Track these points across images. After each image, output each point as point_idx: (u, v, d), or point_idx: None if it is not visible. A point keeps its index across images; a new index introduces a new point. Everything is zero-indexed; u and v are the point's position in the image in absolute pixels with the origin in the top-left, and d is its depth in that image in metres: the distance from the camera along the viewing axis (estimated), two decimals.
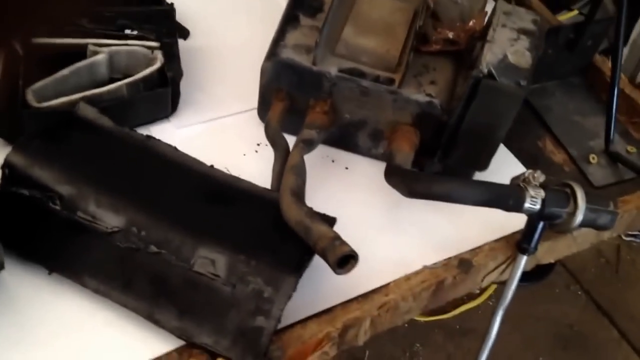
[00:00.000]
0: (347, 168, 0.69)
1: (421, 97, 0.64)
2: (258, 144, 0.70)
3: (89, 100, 0.64)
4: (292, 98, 0.66)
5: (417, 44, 0.67)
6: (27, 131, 0.62)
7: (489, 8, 0.71)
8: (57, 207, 0.55)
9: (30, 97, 0.63)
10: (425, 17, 0.68)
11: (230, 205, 0.59)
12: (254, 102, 0.70)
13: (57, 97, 0.65)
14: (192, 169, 0.61)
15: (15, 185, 0.56)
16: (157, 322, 0.53)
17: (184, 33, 0.76)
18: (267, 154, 0.65)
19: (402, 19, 0.69)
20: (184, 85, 0.71)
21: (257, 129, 0.69)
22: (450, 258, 0.61)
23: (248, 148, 0.70)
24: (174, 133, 0.69)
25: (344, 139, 0.68)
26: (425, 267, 0.60)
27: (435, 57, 0.67)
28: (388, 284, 0.58)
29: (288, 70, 0.64)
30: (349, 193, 0.66)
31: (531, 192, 0.58)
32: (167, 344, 0.53)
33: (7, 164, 0.56)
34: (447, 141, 0.64)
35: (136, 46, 0.71)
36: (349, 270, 0.52)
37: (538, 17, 0.69)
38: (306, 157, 0.61)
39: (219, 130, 0.71)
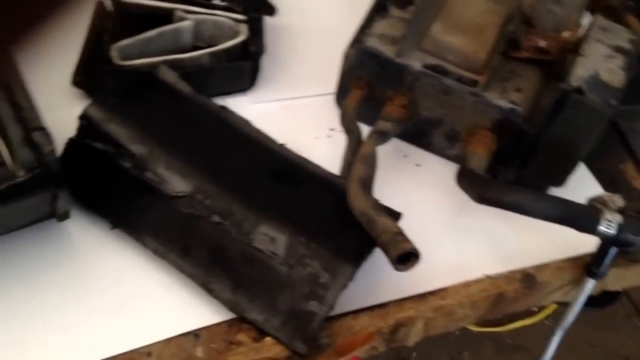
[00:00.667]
0: (418, 165, 0.67)
1: (504, 103, 0.62)
2: (331, 129, 0.69)
3: (171, 65, 0.65)
4: (371, 87, 0.65)
5: (507, 49, 0.64)
6: (107, 87, 0.64)
7: (585, 21, 0.68)
8: (128, 165, 0.56)
9: (115, 54, 0.64)
10: (519, 22, 0.66)
11: (296, 185, 0.58)
12: (332, 86, 0.69)
13: (139, 57, 0.65)
14: (263, 145, 0.60)
15: (90, 138, 0.56)
16: (210, 292, 0.53)
17: (271, 10, 0.76)
18: (339, 140, 0.64)
19: (494, 22, 0.67)
20: (265, 61, 0.71)
21: (332, 114, 0.69)
22: (514, 271, 0.59)
23: (321, 132, 0.69)
24: (250, 107, 0.69)
25: (418, 135, 0.67)
26: (486, 277, 0.58)
27: (524, 64, 0.65)
28: (446, 288, 0.57)
29: (371, 59, 0.63)
30: (417, 190, 0.64)
31: (608, 215, 0.55)
32: (218, 315, 0.53)
33: (84, 115, 0.57)
34: (525, 151, 0.62)
35: (223, 17, 0.71)
36: (408, 268, 0.51)
37: (636, 37, 0.66)
38: (378, 149, 0.60)
39: (294, 111, 0.71)
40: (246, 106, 0.69)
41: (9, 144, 0.49)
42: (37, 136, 0.48)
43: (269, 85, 0.72)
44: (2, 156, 0.50)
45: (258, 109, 0.70)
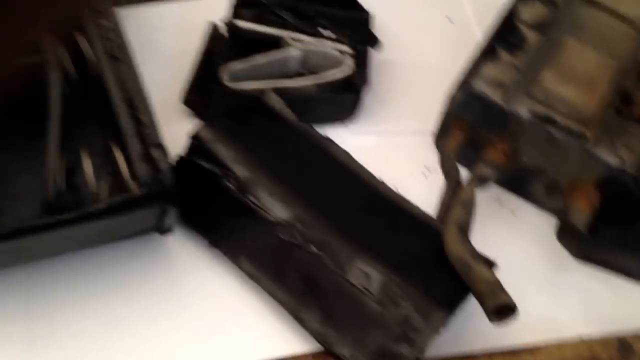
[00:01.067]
0: (513, 213, 0.66)
1: (612, 160, 0.60)
2: (426, 168, 0.69)
3: (277, 91, 0.66)
4: (473, 131, 0.64)
5: (619, 105, 0.63)
6: (216, 108, 0.65)
7: None
8: (231, 187, 0.57)
9: (226, 77, 0.66)
10: (634, 78, 0.64)
11: (393, 223, 0.58)
12: (430, 124, 0.69)
13: (248, 80, 0.67)
14: (362, 179, 0.61)
15: (199, 157, 0.58)
16: (300, 321, 0.53)
17: (377, 43, 0.76)
18: (434, 180, 0.64)
19: (607, 75, 0.65)
20: (366, 93, 0.72)
21: (428, 153, 0.69)
22: (609, 336, 0.57)
23: (415, 169, 0.69)
24: (347, 138, 0.69)
25: (516, 182, 0.66)
26: (581, 339, 0.56)
27: (636, 122, 0.63)
28: (539, 347, 0.55)
29: (477, 103, 0.63)
30: (511, 240, 0.63)
31: None
32: (305, 345, 0.53)
33: (196, 135, 0.59)
34: (630, 212, 0.60)
35: (330, 48, 0.72)
36: (504, 321, 0.50)
37: None
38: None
39: (391, 146, 0.71)
40: (344, 137, 0.69)
41: (127, 157, 0.51)
42: (155, 152, 0.50)
43: (367, 118, 0.73)
44: (119, 167, 0.52)
45: (355, 140, 0.70)
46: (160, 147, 0.51)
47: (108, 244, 0.55)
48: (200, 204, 0.58)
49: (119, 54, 0.52)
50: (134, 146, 0.50)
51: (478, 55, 0.67)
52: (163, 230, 0.55)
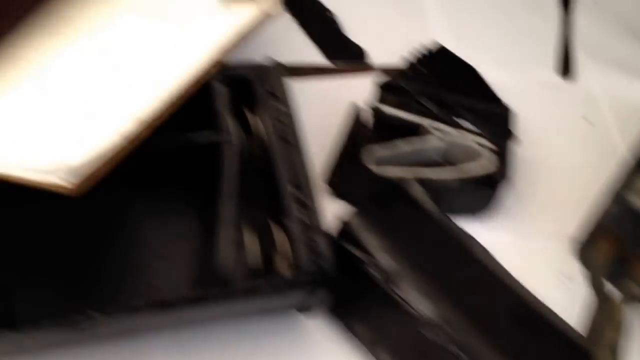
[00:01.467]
0: None
1: None
2: (563, 275, 0.67)
3: (419, 180, 0.66)
4: (623, 245, 0.62)
5: None
6: (359, 191, 0.66)
7: None
8: (377, 276, 0.57)
9: (370, 161, 0.67)
10: None
11: (535, 332, 0.56)
12: (567, 228, 0.68)
13: (391, 166, 0.68)
14: (504, 282, 0.59)
15: (347, 242, 0.58)
16: None
17: (514, 139, 0.76)
18: (570, 288, 0.63)
19: None
20: (503, 189, 0.71)
21: (564, 258, 0.67)
22: None
23: (551, 276, 0.67)
24: (482, 234, 0.68)
25: None
26: None
27: None
28: None
29: (632, 218, 0.61)
30: None
31: None
32: None
33: (347, 222, 0.59)
34: None
35: (472, 141, 0.72)
36: None
37: None
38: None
39: (525, 246, 0.69)
40: (478, 231, 0.68)
41: (288, 238, 0.51)
42: (317, 237, 0.51)
43: (503, 215, 0.71)
44: (278, 246, 0.52)
45: (489, 236, 0.67)
46: (322, 232, 0.51)
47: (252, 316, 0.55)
48: (343, 287, 0.58)
49: (291, 138, 0.54)
50: (297, 228, 0.51)
51: (631, 167, 0.65)
52: (305, 309, 0.55)
